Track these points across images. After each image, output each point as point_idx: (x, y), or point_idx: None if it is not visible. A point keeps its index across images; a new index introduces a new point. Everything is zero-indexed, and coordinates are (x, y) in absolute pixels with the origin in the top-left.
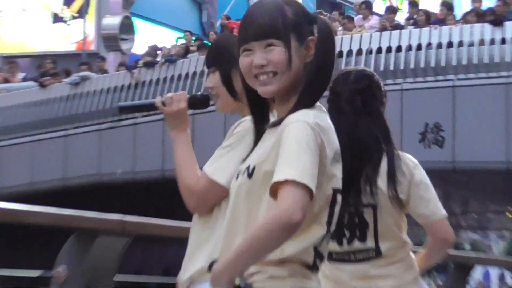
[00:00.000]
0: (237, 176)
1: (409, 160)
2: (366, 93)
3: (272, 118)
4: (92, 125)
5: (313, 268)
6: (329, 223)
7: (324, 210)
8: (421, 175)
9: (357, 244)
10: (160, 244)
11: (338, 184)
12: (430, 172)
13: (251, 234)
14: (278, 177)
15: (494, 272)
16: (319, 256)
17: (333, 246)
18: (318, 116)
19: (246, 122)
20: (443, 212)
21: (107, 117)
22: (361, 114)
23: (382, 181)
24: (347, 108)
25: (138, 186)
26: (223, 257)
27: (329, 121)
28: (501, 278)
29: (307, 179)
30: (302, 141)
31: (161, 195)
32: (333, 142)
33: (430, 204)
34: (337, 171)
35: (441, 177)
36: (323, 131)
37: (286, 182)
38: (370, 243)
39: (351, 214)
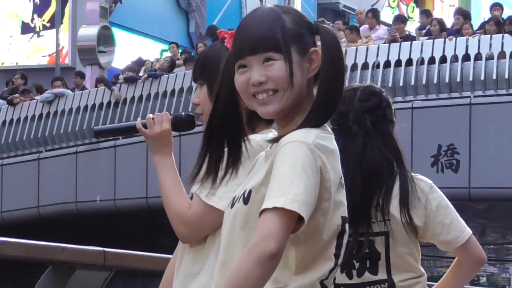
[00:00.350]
0: (232, 204)
1: (423, 183)
2: (375, 112)
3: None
4: (67, 147)
5: None
6: (337, 255)
7: (332, 241)
8: (438, 198)
9: (368, 276)
10: (144, 278)
11: (345, 212)
12: None
13: (231, 274)
14: (266, 204)
15: None
16: None
17: (342, 278)
18: (320, 136)
19: (249, 142)
20: (467, 230)
21: (84, 138)
22: (371, 135)
23: (394, 207)
24: (356, 129)
25: (119, 215)
26: None
27: (334, 143)
28: None
29: (298, 206)
30: (297, 164)
31: (145, 225)
32: (338, 166)
33: (453, 228)
34: (343, 198)
35: (456, 204)
36: (325, 153)
37: (273, 209)
38: (381, 274)
39: (361, 244)
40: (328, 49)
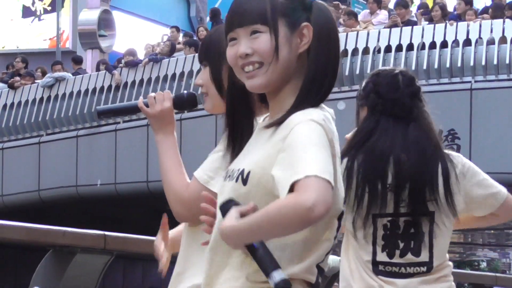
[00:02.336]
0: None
1: (456, 160)
2: (416, 96)
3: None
4: (68, 131)
5: (315, 286)
6: (335, 237)
7: (334, 222)
8: (472, 171)
9: (410, 257)
10: (144, 262)
11: (343, 193)
12: None
13: (263, 212)
14: (296, 176)
15: None
16: (321, 272)
17: (382, 257)
18: (321, 114)
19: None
20: (503, 190)
21: (84, 122)
22: (419, 119)
23: (439, 189)
24: (404, 114)
25: (120, 199)
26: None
27: (333, 123)
28: None
29: (329, 175)
30: (314, 138)
31: (145, 209)
32: (337, 145)
33: (489, 190)
34: (341, 179)
35: None
36: (329, 130)
37: (306, 178)
38: (423, 256)
39: (407, 224)
40: (318, 26)
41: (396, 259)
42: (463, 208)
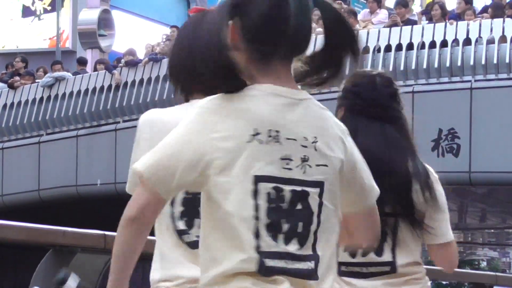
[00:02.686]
0: None
1: (431, 173)
2: (394, 98)
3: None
4: (68, 131)
5: (265, 271)
6: (256, 217)
7: (244, 204)
8: (442, 194)
9: (372, 257)
10: (144, 261)
11: (263, 170)
12: (444, 184)
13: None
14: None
15: None
16: (269, 256)
17: (344, 257)
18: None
19: None
20: (451, 235)
21: (84, 122)
22: (393, 120)
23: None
24: (382, 115)
25: (120, 198)
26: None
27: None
28: None
29: (140, 166)
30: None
31: None
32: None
33: (444, 226)
34: (258, 153)
35: (456, 189)
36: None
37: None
38: (386, 256)
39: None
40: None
41: (358, 259)
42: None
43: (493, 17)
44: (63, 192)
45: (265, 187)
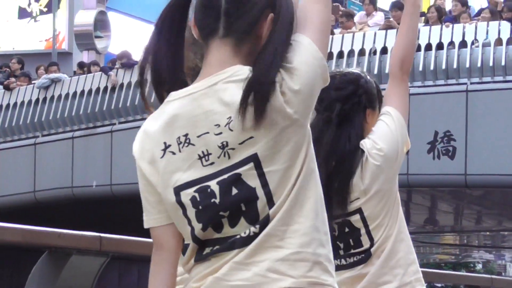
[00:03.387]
0: None
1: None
2: (350, 100)
3: None
4: (64, 132)
5: (201, 259)
6: (191, 225)
7: (179, 218)
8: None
9: (352, 250)
10: (140, 263)
11: (181, 179)
12: (440, 186)
13: None
14: None
15: None
16: (209, 244)
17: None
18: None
19: None
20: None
21: (80, 123)
22: (342, 124)
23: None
24: (330, 118)
25: (116, 200)
26: None
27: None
28: None
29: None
30: None
31: (142, 210)
32: (158, 139)
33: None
34: (174, 164)
35: (452, 191)
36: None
37: None
38: (365, 244)
39: (339, 225)
40: None
41: (341, 253)
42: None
43: (489, 20)
44: (58, 193)
45: (187, 194)
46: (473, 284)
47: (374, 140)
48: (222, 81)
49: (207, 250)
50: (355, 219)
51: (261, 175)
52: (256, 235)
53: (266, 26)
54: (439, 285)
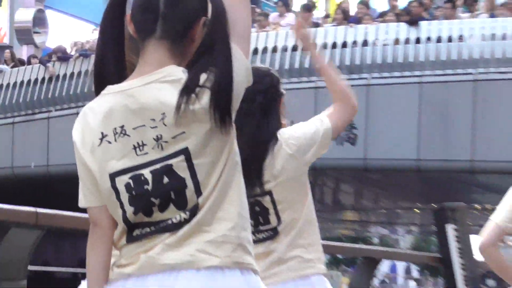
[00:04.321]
0: None
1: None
2: (269, 91)
3: None
4: (5, 118)
5: (132, 240)
6: (123, 209)
7: (112, 203)
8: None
9: (261, 227)
10: (73, 236)
11: (116, 167)
12: (342, 169)
13: None
14: None
15: (400, 265)
16: (138, 226)
17: None
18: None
19: None
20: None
21: (20, 110)
22: (262, 114)
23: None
24: (251, 110)
25: (52, 179)
26: None
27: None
28: (407, 270)
29: None
30: None
31: (76, 188)
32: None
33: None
34: (110, 152)
35: (353, 174)
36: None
37: None
38: (273, 223)
39: (251, 204)
40: None
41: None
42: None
43: (388, 21)
44: (0, 173)
45: (122, 180)
46: (370, 255)
47: (295, 132)
48: (157, 81)
49: (137, 232)
50: (265, 200)
51: (191, 167)
52: (186, 221)
53: (200, 30)
54: (340, 256)
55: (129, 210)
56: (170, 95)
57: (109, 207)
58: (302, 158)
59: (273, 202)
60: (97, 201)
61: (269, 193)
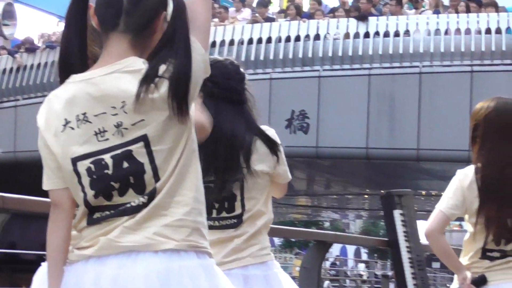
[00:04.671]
0: None
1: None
2: (241, 84)
3: None
4: None
5: (93, 223)
6: (84, 191)
7: (74, 185)
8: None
9: (224, 214)
10: (39, 220)
11: (78, 151)
12: (295, 157)
13: None
14: None
15: (351, 248)
16: (98, 210)
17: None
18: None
19: None
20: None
21: None
22: (240, 105)
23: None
24: (237, 98)
25: (19, 165)
26: None
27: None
28: (357, 253)
29: None
30: None
31: (41, 175)
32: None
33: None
34: (72, 138)
35: (305, 161)
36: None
37: None
38: (237, 210)
39: (221, 188)
40: None
41: (213, 215)
42: (271, 173)
43: (339, 17)
44: None
45: (83, 165)
46: (321, 239)
47: (274, 135)
48: (119, 71)
49: (97, 214)
50: (235, 187)
51: (150, 153)
52: (144, 205)
53: (160, 24)
54: (293, 240)
55: (90, 193)
56: (130, 84)
57: (71, 189)
58: (271, 157)
59: (242, 189)
60: (59, 184)
61: (240, 180)
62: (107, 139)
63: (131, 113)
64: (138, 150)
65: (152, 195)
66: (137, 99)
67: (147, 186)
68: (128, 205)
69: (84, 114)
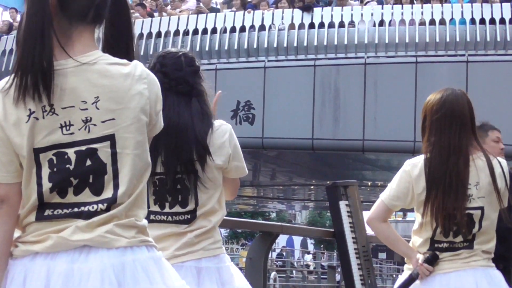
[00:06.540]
0: None
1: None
2: (196, 75)
3: None
4: None
5: (44, 219)
6: (39, 183)
7: (30, 176)
8: (235, 142)
9: (177, 208)
10: None
11: (41, 142)
12: (241, 147)
13: None
14: None
15: (297, 239)
16: (51, 207)
17: (155, 208)
18: None
19: None
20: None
21: None
22: (197, 94)
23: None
24: (187, 90)
25: None
26: None
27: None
28: (303, 244)
29: None
30: None
31: None
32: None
33: (241, 167)
34: (36, 129)
35: (251, 152)
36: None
37: None
38: (190, 207)
39: (174, 181)
40: None
41: (166, 210)
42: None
43: (284, 8)
44: None
45: (45, 156)
46: (267, 230)
47: (231, 133)
48: (88, 63)
49: (48, 212)
50: (189, 180)
51: (114, 154)
52: (102, 211)
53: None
54: (239, 230)
55: (47, 185)
56: (104, 79)
57: (25, 181)
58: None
59: (195, 181)
60: (9, 178)
61: (195, 172)
62: (72, 133)
63: (103, 110)
64: (103, 150)
65: (111, 204)
66: (122, 93)
67: (104, 188)
68: (85, 209)
69: (51, 105)
